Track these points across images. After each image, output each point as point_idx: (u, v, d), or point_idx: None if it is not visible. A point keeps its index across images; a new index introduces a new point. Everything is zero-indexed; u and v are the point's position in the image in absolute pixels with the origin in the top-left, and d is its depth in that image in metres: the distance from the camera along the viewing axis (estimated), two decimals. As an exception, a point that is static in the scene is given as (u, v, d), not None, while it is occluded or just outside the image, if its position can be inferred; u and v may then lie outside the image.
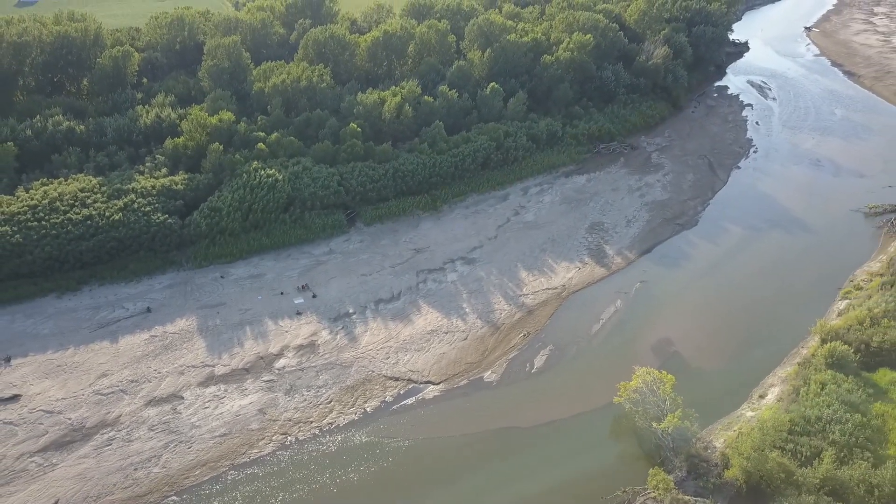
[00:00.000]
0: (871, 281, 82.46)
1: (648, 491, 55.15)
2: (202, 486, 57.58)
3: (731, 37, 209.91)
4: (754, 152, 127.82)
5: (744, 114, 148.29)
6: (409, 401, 67.20)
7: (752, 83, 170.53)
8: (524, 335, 76.74)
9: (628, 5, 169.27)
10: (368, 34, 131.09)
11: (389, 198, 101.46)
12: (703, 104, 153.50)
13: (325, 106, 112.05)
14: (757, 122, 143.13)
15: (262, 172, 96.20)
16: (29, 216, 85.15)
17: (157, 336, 74.88)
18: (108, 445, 61.03)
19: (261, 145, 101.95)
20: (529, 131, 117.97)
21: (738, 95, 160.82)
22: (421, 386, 69.06)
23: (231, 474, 58.69)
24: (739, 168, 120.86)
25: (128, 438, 61.82)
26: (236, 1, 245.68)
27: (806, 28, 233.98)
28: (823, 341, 68.26)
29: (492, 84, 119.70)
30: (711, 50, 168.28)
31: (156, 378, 68.89)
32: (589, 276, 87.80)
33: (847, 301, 79.83)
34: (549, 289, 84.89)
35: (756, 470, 52.58)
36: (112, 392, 66.95)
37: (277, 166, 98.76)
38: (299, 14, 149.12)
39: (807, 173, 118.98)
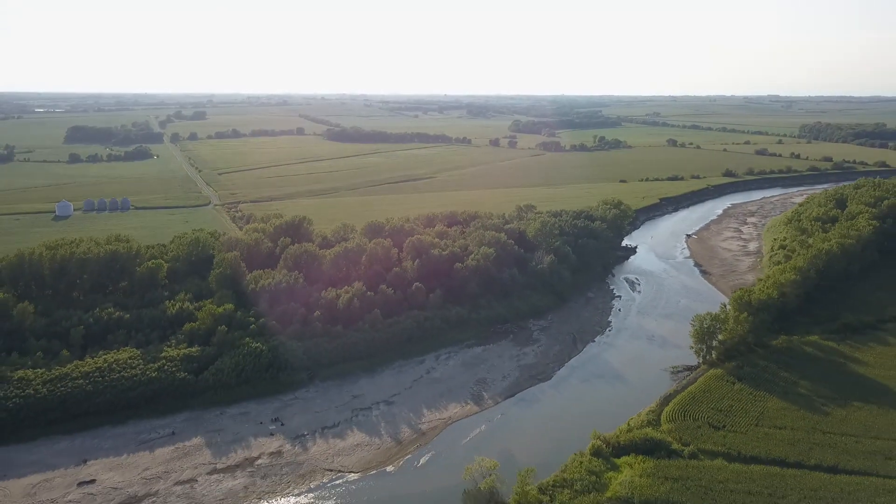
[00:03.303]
0: (647, 411, 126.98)
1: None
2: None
3: (625, 242, 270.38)
4: (609, 331, 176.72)
5: (612, 303, 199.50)
6: (338, 481, 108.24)
7: (627, 280, 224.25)
8: (417, 446, 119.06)
9: (530, 223, 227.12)
10: (333, 249, 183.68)
11: (339, 362, 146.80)
12: (584, 296, 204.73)
13: (298, 300, 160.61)
14: (619, 309, 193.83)
15: (253, 345, 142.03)
16: (96, 374, 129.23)
17: (179, 448, 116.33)
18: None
19: (252, 327, 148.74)
20: (444, 316, 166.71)
21: (613, 289, 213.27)
22: (346, 474, 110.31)
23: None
24: (594, 342, 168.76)
25: (163, 503, 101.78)
26: (234, 215, 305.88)
27: (687, 235, 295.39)
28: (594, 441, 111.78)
29: (416, 283, 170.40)
30: (594, 257, 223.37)
31: (179, 470, 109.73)
32: (468, 412, 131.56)
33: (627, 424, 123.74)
34: (439, 419, 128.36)
35: (518, 502, 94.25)
36: (152, 478, 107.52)
37: (262, 341, 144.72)
38: (283, 233, 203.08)
39: (640, 345, 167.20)
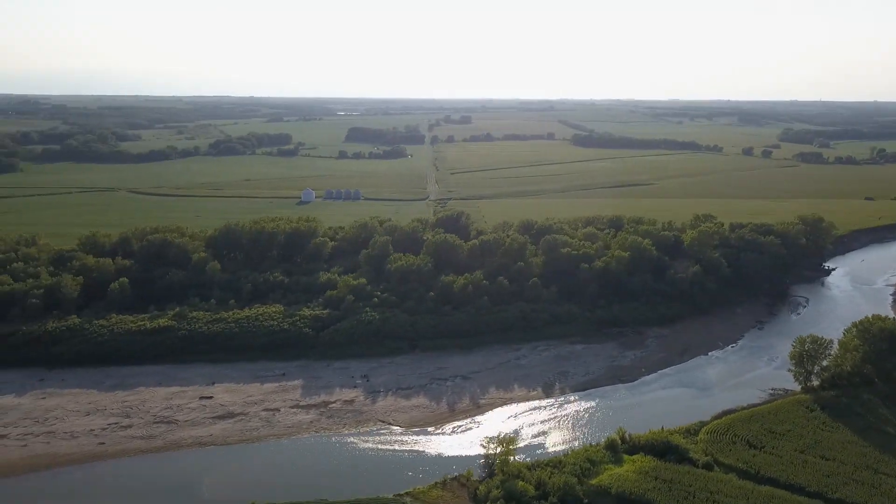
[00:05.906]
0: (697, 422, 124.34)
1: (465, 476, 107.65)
2: (278, 438, 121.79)
3: (827, 263, 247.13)
4: (731, 346, 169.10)
5: (758, 321, 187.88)
6: (383, 431, 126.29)
7: (794, 300, 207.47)
8: (465, 416, 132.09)
9: (690, 232, 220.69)
10: (470, 241, 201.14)
11: (440, 337, 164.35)
12: (729, 311, 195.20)
13: (422, 281, 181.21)
14: (760, 329, 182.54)
15: (368, 314, 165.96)
16: (244, 321, 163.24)
17: (282, 385, 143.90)
18: (241, 420, 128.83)
19: (374, 300, 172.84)
20: (553, 311, 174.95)
21: (770, 308, 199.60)
22: (393, 427, 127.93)
23: (290, 437, 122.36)
24: (706, 355, 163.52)
25: (247, 420, 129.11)
26: (437, 209, 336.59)
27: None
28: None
29: (533, 279, 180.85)
30: (757, 272, 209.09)
31: (271, 401, 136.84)
32: (531, 396, 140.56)
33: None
34: (500, 398, 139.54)
35: (501, 470, 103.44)
36: (250, 402, 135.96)
37: (378, 312, 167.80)
38: (443, 225, 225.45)
39: (753, 364, 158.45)
